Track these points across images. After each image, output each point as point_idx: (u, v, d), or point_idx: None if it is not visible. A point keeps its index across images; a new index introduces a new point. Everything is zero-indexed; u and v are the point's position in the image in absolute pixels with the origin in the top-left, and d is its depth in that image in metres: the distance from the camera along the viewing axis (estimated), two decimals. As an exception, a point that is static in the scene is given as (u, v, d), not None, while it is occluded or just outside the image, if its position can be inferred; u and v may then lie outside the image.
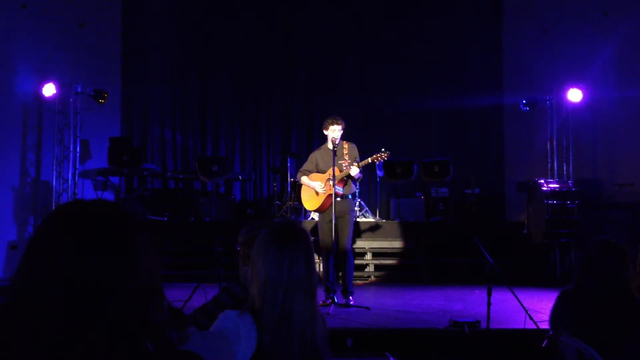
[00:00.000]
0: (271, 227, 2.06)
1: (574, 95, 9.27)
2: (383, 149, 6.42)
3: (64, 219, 1.29)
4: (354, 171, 6.29)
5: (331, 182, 6.28)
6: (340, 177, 6.34)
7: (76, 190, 9.77)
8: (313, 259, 2.05)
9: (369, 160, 6.40)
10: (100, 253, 1.23)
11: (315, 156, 6.70)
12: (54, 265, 1.21)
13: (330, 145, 6.42)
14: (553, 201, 8.40)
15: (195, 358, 1.42)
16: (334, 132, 6.43)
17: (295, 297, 1.93)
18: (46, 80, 9.28)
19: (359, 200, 9.84)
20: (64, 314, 1.17)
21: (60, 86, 9.43)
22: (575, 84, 9.26)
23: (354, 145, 6.64)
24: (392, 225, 9.29)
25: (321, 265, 6.67)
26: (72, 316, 1.17)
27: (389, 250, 8.97)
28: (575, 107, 9.46)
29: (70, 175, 9.75)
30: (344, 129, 6.54)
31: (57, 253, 1.21)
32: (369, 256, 8.80)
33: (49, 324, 1.17)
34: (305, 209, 8.09)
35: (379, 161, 6.47)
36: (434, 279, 8.37)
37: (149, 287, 1.28)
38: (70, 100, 9.71)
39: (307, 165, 6.72)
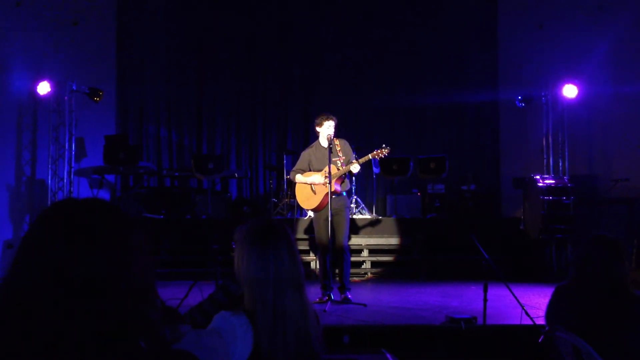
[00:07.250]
0: (249, 228, 2.04)
1: (570, 91, 9.29)
2: (384, 145, 6.30)
3: (56, 217, 1.28)
4: (356, 168, 6.23)
5: (327, 180, 6.22)
6: (340, 174, 6.27)
7: (72, 188, 9.74)
8: (297, 253, 2.03)
9: (370, 156, 6.33)
10: (93, 251, 1.22)
11: (308, 155, 6.57)
12: (46, 263, 1.20)
13: (324, 143, 6.39)
14: (549, 197, 8.40)
15: (189, 357, 1.41)
16: (329, 127, 6.37)
17: (285, 294, 1.93)
18: (41, 78, 9.24)
19: (355, 197, 9.83)
20: (56, 313, 1.16)
21: (55, 84, 9.39)
22: (570, 80, 9.28)
23: (346, 141, 6.54)
24: (389, 222, 9.29)
25: (317, 262, 6.65)
26: (65, 315, 1.16)
27: (386, 247, 8.96)
28: (570, 102, 9.48)
29: (65, 173, 9.72)
30: (336, 126, 6.46)
31: (50, 251, 1.21)
32: (365, 253, 8.80)
33: (41, 323, 1.16)
34: (300, 206, 8.05)
35: (380, 157, 6.34)
36: (430, 276, 8.36)
37: (142, 286, 1.27)
38: (65, 98, 9.67)
39: (299, 165, 6.59)
